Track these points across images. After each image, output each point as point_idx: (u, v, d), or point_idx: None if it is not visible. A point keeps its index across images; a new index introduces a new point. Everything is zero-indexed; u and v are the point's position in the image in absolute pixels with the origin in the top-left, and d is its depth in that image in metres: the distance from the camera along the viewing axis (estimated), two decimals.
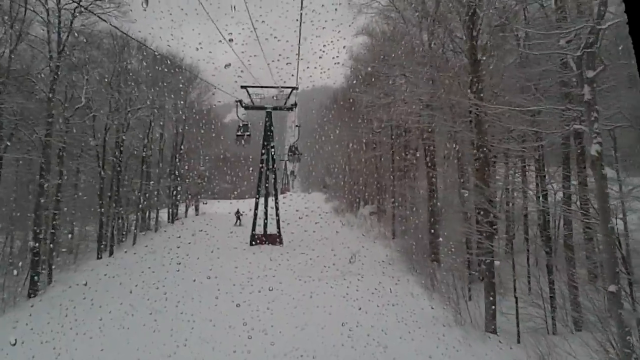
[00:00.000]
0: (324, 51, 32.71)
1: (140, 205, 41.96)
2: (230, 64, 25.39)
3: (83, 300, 20.89)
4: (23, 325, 18.46)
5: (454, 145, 25.07)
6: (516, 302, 17.49)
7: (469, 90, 19.85)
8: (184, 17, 37.80)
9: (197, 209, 59.66)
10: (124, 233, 41.83)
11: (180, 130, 51.55)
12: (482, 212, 19.89)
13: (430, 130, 29.27)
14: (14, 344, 14.43)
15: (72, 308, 19.91)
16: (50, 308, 21.36)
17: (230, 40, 24.67)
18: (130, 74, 37.71)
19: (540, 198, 18.54)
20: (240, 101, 37.31)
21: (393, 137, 38.57)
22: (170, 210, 51.34)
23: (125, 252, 34.71)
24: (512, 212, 19.22)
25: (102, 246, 35.34)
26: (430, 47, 28.73)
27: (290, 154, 77.93)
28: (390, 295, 21.18)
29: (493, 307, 17.92)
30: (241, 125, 32.52)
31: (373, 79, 39.10)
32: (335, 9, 31.15)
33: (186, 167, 55.73)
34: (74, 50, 29.98)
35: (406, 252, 29.72)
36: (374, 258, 29.86)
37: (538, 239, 20.93)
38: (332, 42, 30.58)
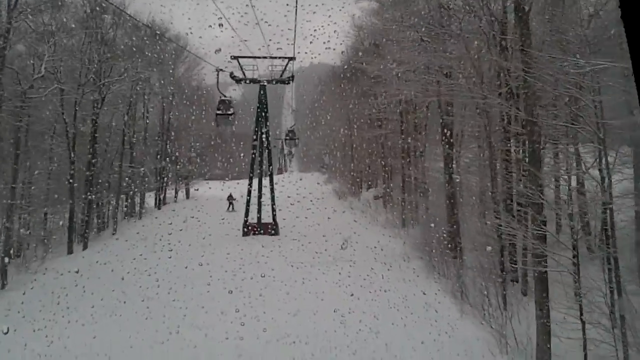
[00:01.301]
0: (314, 36, 31.67)
1: (121, 190, 37.83)
2: (220, 49, 25.15)
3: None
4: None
5: (484, 121, 20.95)
6: (583, 328, 13.47)
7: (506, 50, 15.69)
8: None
9: (187, 193, 55.55)
10: (105, 221, 37.84)
11: (167, 107, 47.10)
12: (524, 205, 15.97)
13: (449, 104, 25.17)
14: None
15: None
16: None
17: (220, 25, 23.29)
18: (106, 44, 33.28)
19: (605, 189, 14.39)
20: (232, 74, 33.19)
21: (402, 113, 34.36)
22: (158, 194, 47.25)
23: (99, 250, 30.01)
24: (570, 206, 15.21)
25: (75, 238, 31.44)
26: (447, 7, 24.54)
27: (287, 138, 74.16)
28: (416, 307, 17.34)
29: (548, 332, 13.93)
30: (222, 101, 25.84)
31: (380, 47, 34.93)
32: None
33: (175, 147, 51.56)
34: (30, 10, 25.53)
35: (420, 245, 25.83)
36: (385, 252, 25.96)
37: (596, 240, 16.95)
38: (322, 27, 29.71)
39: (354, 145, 50.02)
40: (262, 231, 32.72)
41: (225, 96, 26.37)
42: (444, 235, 25.29)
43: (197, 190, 54.97)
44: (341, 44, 70.60)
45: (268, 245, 27.94)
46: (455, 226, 24.61)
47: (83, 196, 32.42)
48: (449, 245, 24.16)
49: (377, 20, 37.81)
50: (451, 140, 25.31)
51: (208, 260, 23.17)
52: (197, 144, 56.38)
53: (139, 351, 15.26)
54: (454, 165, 25.33)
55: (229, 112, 25.76)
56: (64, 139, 30.92)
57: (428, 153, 34.08)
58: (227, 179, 61.22)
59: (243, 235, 32.70)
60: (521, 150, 21.27)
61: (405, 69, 28.89)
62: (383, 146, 41.30)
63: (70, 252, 30.01)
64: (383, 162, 41.38)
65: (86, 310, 18.05)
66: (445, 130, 26.98)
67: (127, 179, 41.57)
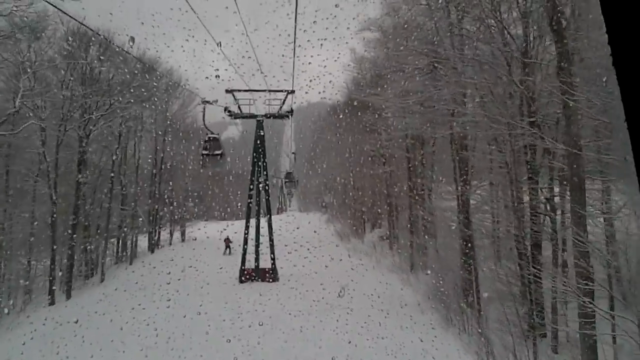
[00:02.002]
0: (310, 86, 29.58)
1: (110, 233, 35.48)
2: (219, 76, 24.58)
3: None
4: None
5: (507, 155, 18.80)
6: None
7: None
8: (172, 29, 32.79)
9: (183, 235, 53.11)
10: (93, 267, 35.37)
11: (160, 146, 45.04)
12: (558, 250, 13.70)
13: (464, 136, 23.10)
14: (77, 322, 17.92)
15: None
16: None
17: (219, 44, 20.91)
18: (92, 78, 31.40)
19: None
20: (226, 108, 31.23)
21: (409, 148, 32.25)
22: (150, 237, 44.83)
23: (82, 306, 27.17)
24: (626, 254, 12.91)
25: (61, 286, 29.05)
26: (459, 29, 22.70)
27: (286, 181, 72.34)
28: None
29: None
30: (209, 139, 22.76)
31: (383, 78, 33.08)
32: (321, 44, 29.24)
33: (170, 188, 49.40)
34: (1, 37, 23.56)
35: (433, 293, 23.42)
36: (394, 300, 23.60)
37: None
38: (318, 77, 29.29)
39: (356, 184, 47.87)
40: (260, 278, 30.32)
41: (212, 133, 23.52)
42: (459, 282, 23.04)
43: (194, 232, 52.70)
44: (336, 94, 70.08)
45: (270, 297, 25.57)
46: (471, 272, 22.26)
47: (68, 241, 30.14)
48: (466, 294, 21.81)
49: (379, 51, 36.09)
50: (466, 178, 23.11)
51: (206, 309, 22.57)
52: (193, 184, 54.29)
53: None
54: (468, 204, 23.06)
55: (217, 152, 22.49)
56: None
57: (435, 191, 32.01)
58: (225, 218, 59.25)
59: (240, 282, 30.26)
60: (547, 188, 19.23)
61: (413, 100, 26.89)
62: (387, 184, 39.10)
63: (52, 302, 27.50)
64: (388, 201, 39.11)
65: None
66: (460, 166, 24.96)
67: (118, 221, 39.38)
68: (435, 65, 23.47)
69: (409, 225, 31.73)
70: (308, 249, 34.26)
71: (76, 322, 21.21)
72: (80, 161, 30.07)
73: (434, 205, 31.50)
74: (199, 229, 51.98)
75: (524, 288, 18.70)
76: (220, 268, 31.38)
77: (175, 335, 19.57)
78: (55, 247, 28.14)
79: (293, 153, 69.28)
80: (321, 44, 28.77)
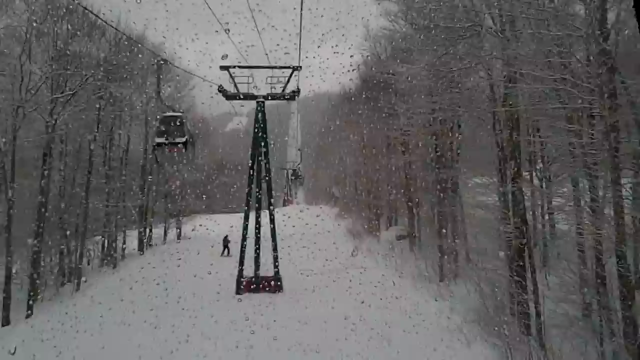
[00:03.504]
0: (322, 40, 25.30)
1: (85, 233, 30.80)
2: (227, 55, 23.27)
3: None
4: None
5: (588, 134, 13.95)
6: None
7: None
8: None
9: (179, 232, 48.35)
10: (69, 272, 30.64)
11: (152, 133, 40.21)
12: None
13: (516, 117, 18.15)
14: (13, 353, 14.99)
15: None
16: None
17: (227, 30, 18.78)
18: (64, 50, 26.55)
19: None
20: (220, 87, 26.37)
21: (437, 135, 27.26)
22: (141, 236, 40.16)
23: (44, 323, 22.13)
24: None
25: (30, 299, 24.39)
26: None
27: (292, 177, 67.87)
28: None
29: None
30: (166, 119, 16.05)
31: (406, 53, 28.19)
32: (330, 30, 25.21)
33: (165, 180, 44.73)
34: None
35: (476, 314, 18.67)
36: (432, 323, 18.86)
37: None
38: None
39: (370, 175, 42.91)
40: (260, 288, 25.62)
41: (174, 110, 17.30)
42: (506, 299, 18.27)
43: (195, 227, 47.81)
44: (349, 48, 64.69)
45: (267, 311, 20.83)
46: (526, 288, 17.42)
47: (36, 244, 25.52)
48: (522, 319, 17.00)
49: (399, 23, 31.14)
50: (518, 168, 18.21)
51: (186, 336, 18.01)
52: (193, 175, 49.56)
53: None
54: (523, 201, 18.13)
55: (179, 140, 15.46)
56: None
57: (466, 183, 27.19)
58: (230, 211, 54.50)
59: (237, 294, 25.51)
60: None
61: (444, 73, 21.94)
62: (407, 176, 34.17)
63: (5, 322, 22.83)
64: (408, 195, 34.19)
65: None
66: (503, 154, 20.11)
67: (103, 218, 34.76)
68: (480, 27, 18.45)
69: (436, 225, 26.82)
70: (318, 249, 29.64)
71: (13, 353, 16.35)
72: (46, 151, 25.27)
73: (466, 201, 26.74)
74: (198, 224, 46.92)
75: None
76: (216, 272, 26.34)
77: None
78: (10, 254, 23.29)
79: (299, 150, 65.33)
80: (330, 30, 24.78)
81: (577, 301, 16.88)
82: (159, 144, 15.81)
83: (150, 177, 39.13)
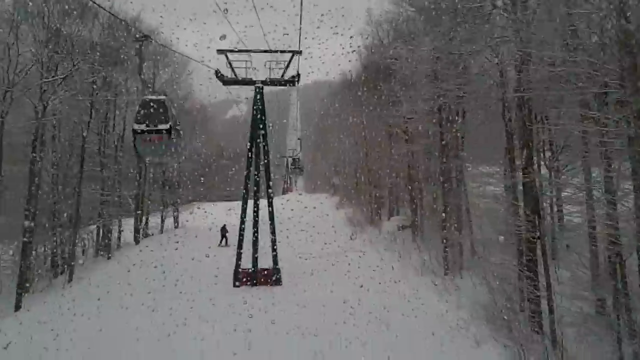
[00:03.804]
0: (321, 20, 25.28)
1: (77, 222, 29.84)
2: (225, 36, 22.33)
3: None
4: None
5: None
6: None
7: None
8: None
9: (176, 220, 47.45)
10: (63, 262, 29.76)
11: None
12: None
13: (528, 103, 17.14)
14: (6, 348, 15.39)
15: None
16: None
17: (225, 10, 18.62)
18: (55, 33, 25.49)
19: None
20: (217, 71, 25.37)
21: (441, 122, 26.25)
22: (136, 226, 39.24)
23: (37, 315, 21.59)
24: None
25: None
26: None
27: (292, 166, 66.83)
28: None
29: None
30: (146, 104, 13.61)
31: (410, 38, 27.18)
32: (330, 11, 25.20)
33: (163, 170, 43.78)
34: None
35: (487, 312, 17.79)
36: (436, 319, 18.05)
37: None
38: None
39: (371, 164, 41.94)
40: (259, 281, 24.75)
41: (157, 94, 14.61)
42: (516, 295, 17.41)
43: (193, 213, 46.87)
44: (349, 28, 63.64)
45: (266, 305, 19.95)
46: (537, 284, 16.54)
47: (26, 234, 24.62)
48: (533, 316, 16.11)
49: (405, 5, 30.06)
50: (530, 157, 17.25)
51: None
52: (190, 163, 48.58)
53: None
54: (535, 192, 17.16)
55: (161, 127, 13.24)
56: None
57: (471, 173, 26.24)
58: (226, 199, 53.65)
59: (235, 286, 24.66)
60: None
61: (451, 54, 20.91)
62: (410, 165, 33.18)
63: None
64: (410, 185, 33.24)
65: None
66: (512, 143, 19.25)
67: (98, 207, 33.84)
68: (492, 6, 17.40)
69: (441, 215, 25.86)
70: (318, 236, 28.99)
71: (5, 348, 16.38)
72: (36, 136, 24.30)
73: (471, 190, 25.82)
74: (197, 212, 45.85)
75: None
76: (215, 264, 25.44)
77: None
78: None
79: (299, 139, 64.50)
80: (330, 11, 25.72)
81: (590, 298, 16.08)
82: (138, 132, 13.40)
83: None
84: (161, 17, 51.86)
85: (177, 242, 30.99)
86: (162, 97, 13.79)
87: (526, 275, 16.66)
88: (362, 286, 21.33)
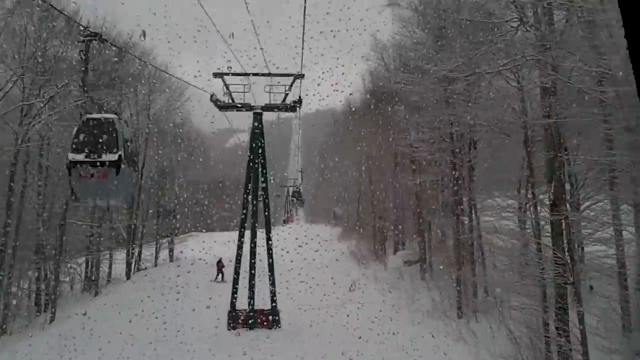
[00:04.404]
0: (322, 78, 25.58)
1: (61, 256, 27.82)
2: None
3: None
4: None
5: None
6: None
7: None
8: None
9: (171, 254, 45.17)
10: (45, 300, 27.71)
11: (142, 148, 37.42)
12: None
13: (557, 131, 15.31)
14: None
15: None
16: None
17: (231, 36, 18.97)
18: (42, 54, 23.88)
19: None
20: (212, 96, 23.62)
21: (454, 151, 24.38)
22: (128, 258, 37.17)
23: None
24: None
25: None
26: None
27: (293, 199, 65.15)
28: None
29: None
30: (88, 123, 10.17)
31: (420, 61, 25.51)
32: (334, 36, 25.47)
33: (157, 198, 41.90)
34: None
35: None
36: None
37: None
38: (330, 69, 27.40)
39: (375, 195, 39.97)
40: (255, 324, 22.59)
41: (104, 111, 11.98)
42: (541, 346, 15.38)
43: (186, 248, 44.65)
44: (349, 86, 64.86)
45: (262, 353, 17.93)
46: (567, 337, 14.50)
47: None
48: None
49: (410, 29, 28.51)
50: (563, 192, 15.35)
51: None
52: (188, 193, 46.75)
53: None
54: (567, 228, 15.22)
55: (107, 157, 9.79)
56: None
57: (483, 206, 24.37)
58: (229, 228, 51.54)
59: (229, 329, 22.50)
60: None
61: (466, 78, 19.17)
62: (417, 196, 31.24)
63: None
64: (419, 218, 31.32)
65: None
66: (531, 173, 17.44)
67: (86, 239, 31.90)
68: (518, 21, 15.62)
69: (456, 252, 23.87)
70: (318, 278, 26.72)
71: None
72: (15, 163, 22.49)
73: (484, 225, 23.95)
74: (193, 244, 43.51)
75: None
76: (209, 300, 23.21)
77: None
78: None
79: (300, 171, 62.91)
80: (334, 35, 25.10)
81: (622, 351, 14.19)
82: (74, 164, 9.74)
83: (140, 194, 36.31)
84: (168, 41, 50.44)
85: (173, 281, 28.80)
86: (112, 116, 10.41)
87: (556, 326, 14.65)
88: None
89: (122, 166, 9.70)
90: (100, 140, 9.67)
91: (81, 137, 9.81)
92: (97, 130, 9.79)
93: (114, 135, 9.80)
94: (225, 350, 19.54)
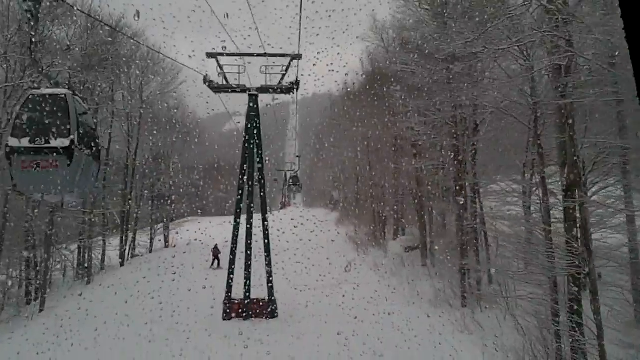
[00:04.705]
0: (318, 59, 25.56)
1: (52, 243, 26.99)
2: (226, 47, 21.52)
3: None
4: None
5: None
6: None
7: None
8: None
9: (166, 239, 44.41)
10: (37, 288, 26.88)
11: (135, 132, 36.44)
12: None
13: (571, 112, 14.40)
14: None
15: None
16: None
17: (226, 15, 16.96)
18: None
19: None
20: (206, 77, 22.59)
21: (457, 135, 23.40)
22: (122, 246, 36.30)
23: None
24: None
25: None
26: None
27: (290, 184, 64.44)
28: None
29: None
30: (29, 100, 7.72)
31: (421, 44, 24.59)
32: (329, 16, 24.92)
33: (150, 182, 40.95)
34: None
35: (514, 356, 14.97)
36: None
37: None
38: (326, 49, 26.60)
39: (374, 179, 39.13)
40: (252, 314, 21.80)
41: (55, 86, 8.55)
42: (551, 341, 14.62)
43: (182, 231, 43.94)
44: (344, 66, 63.80)
45: (260, 345, 17.21)
46: (581, 330, 13.72)
47: None
48: None
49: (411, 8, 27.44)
50: (579, 177, 14.46)
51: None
52: (181, 176, 45.76)
53: None
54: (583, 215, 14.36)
55: (55, 143, 7.65)
56: None
57: (486, 191, 23.53)
58: (225, 213, 50.75)
59: (224, 319, 21.69)
60: None
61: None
62: (418, 181, 30.37)
63: None
64: (419, 203, 30.53)
65: None
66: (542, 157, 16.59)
67: (79, 226, 31.03)
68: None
69: (461, 238, 23.03)
70: (316, 264, 26.03)
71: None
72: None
73: (488, 211, 23.12)
74: (190, 229, 42.66)
75: None
76: (203, 288, 22.36)
77: None
78: None
79: (297, 156, 62.14)
80: (329, 15, 24.45)
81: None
82: (15, 151, 7.75)
83: (134, 178, 35.43)
84: (155, 20, 48.95)
85: (168, 266, 28.01)
86: (63, 90, 8.15)
87: (569, 318, 13.85)
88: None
89: (76, 154, 7.88)
90: (48, 121, 7.80)
91: (24, 117, 7.91)
92: (44, 109, 7.86)
93: (66, 115, 7.88)
94: (221, 330, 19.20)
